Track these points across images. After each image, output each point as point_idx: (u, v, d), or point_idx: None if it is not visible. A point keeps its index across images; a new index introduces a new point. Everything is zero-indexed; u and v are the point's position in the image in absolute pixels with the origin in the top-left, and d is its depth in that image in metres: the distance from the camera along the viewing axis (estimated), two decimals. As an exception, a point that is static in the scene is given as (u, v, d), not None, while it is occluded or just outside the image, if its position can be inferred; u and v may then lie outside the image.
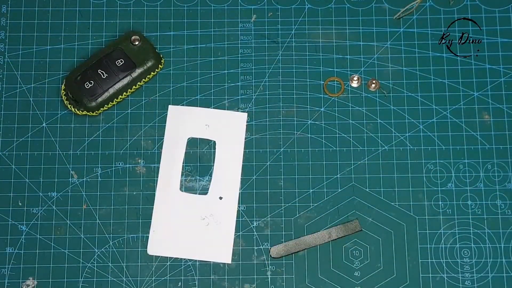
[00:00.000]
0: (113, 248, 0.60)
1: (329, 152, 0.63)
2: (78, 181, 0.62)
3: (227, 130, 0.62)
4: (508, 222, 0.61)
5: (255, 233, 0.61)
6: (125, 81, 0.63)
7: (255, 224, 0.61)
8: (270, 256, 0.60)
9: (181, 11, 0.66)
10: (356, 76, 0.64)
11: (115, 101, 0.63)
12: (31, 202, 0.62)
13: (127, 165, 0.63)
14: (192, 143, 0.63)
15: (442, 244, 0.61)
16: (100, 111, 0.63)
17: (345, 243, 0.61)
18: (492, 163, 0.62)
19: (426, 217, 0.61)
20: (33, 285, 0.60)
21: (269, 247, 0.61)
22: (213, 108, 0.64)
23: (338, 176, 0.62)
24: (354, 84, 0.64)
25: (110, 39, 0.66)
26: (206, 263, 0.60)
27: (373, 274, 0.60)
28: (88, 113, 0.63)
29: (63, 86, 0.64)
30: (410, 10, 0.66)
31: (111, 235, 0.61)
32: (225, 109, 0.64)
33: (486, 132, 0.63)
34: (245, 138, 0.63)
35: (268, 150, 0.63)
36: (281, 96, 0.64)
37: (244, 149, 0.63)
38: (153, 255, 0.61)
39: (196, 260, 0.60)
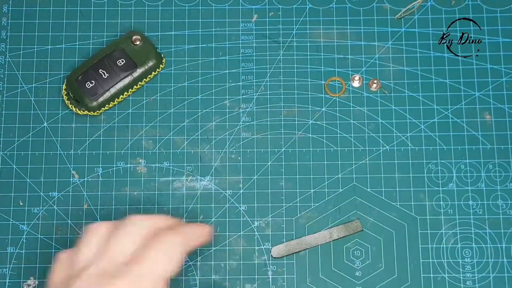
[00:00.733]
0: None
1: (330, 152, 0.63)
2: (79, 181, 0.62)
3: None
4: (510, 222, 0.61)
5: (256, 233, 0.61)
6: (126, 81, 0.63)
7: (256, 224, 0.61)
8: (271, 256, 0.60)
9: (182, 11, 0.66)
10: (357, 76, 0.64)
11: (116, 101, 0.63)
12: (32, 202, 0.62)
13: (128, 165, 0.63)
14: (193, 142, 0.63)
15: (443, 244, 0.61)
16: (101, 111, 0.63)
17: (346, 243, 0.61)
18: (493, 163, 0.62)
19: (428, 217, 0.61)
20: (34, 285, 0.60)
21: (270, 247, 0.61)
22: (215, 106, 0.64)
23: (339, 176, 0.62)
24: (355, 84, 0.64)
25: (111, 39, 0.66)
26: (207, 263, 0.60)
27: (374, 274, 0.60)
28: (89, 113, 0.63)
29: (64, 86, 0.64)
30: (412, 10, 0.66)
31: (112, 235, 0.61)
32: (226, 109, 0.64)
33: (488, 132, 0.63)
34: (246, 138, 0.63)
35: (269, 150, 0.63)
36: (282, 96, 0.64)
37: (245, 149, 0.63)
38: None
39: (197, 260, 0.60)
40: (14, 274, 0.60)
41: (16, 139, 0.63)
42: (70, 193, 0.62)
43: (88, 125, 0.64)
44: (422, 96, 0.64)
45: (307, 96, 0.64)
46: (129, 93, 0.64)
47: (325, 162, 0.63)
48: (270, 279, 0.60)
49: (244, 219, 0.61)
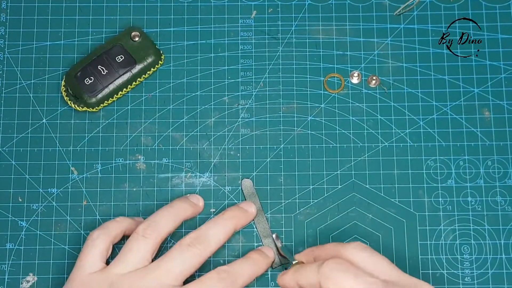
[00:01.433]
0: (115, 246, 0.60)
1: (329, 148, 0.63)
2: (78, 177, 0.62)
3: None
4: (508, 219, 0.61)
5: (255, 229, 0.61)
6: (125, 77, 0.63)
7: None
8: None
9: (181, 7, 0.66)
10: (357, 72, 0.64)
11: (115, 97, 0.63)
12: (31, 198, 0.62)
13: (127, 162, 0.63)
14: (192, 139, 0.63)
15: (442, 241, 0.61)
16: (100, 107, 0.63)
17: (345, 240, 0.61)
18: (492, 160, 0.62)
19: (426, 213, 0.61)
20: (33, 281, 0.60)
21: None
22: (214, 103, 0.64)
23: (338, 172, 0.62)
24: (355, 80, 0.64)
25: (110, 35, 0.66)
26: (206, 260, 0.60)
27: (373, 270, 0.60)
28: (88, 109, 0.63)
29: (63, 82, 0.64)
30: (411, 6, 0.66)
31: (111, 231, 0.61)
32: (225, 105, 0.64)
33: (486, 129, 0.63)
34: (245, 135, 0.63)
35: (268, 146, 0.63)
36: (281, 93, 0.64)
37: (244, 145, 0.63)
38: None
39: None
40: (13, 270, 0.60)
41: (15, 135, 0.63)
42: (69, 190, 0.62)
43: (87, 121, 0.64)
44: (421, 92, 0.64)
45: (306, 92, 0.64)
46: (128, 89, 0.64)
47: (324, 159, 0.63)
48: (269, 276, 0.60)
49: (243, 215, 0.61)
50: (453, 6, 0.66)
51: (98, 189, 0.62)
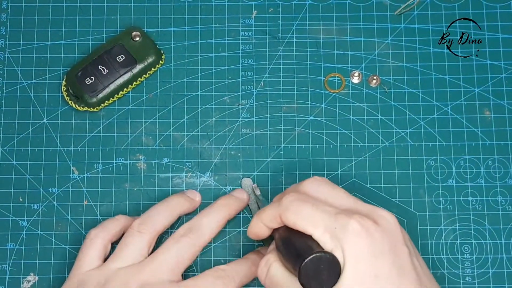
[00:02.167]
0: (114, 244, 0.60)
1: (330, 148, 0.63)
2: (79, 177, 0.62)
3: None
4: (509, 218, 0.61)
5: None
6: (126, 77, 0.63)
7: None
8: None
9: (182, 6, 0.66)
10: (357, 72, 0.64)
11: (116, 97, 0.63)
12: (32, 198, 0.62)
13: (128, 161, 0.63)
14: (193, 138, 0.63)
15: (442, 240, 0.61)
16: (100, 107, 0.63)
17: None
18: (492, 159, 0.62)
19: (427, 213, 0.61)
20: (34, 281, 0.60)
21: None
22: (214, 102, 0.64)
23: (339, 172, 0.62)
24: (355, 80, 0.64)
25: (111, 35, 0.66)
26: (206, 259, 0.60)
27: (374, 270, 0.60)
28: (89, 109, 0.63)
29: (63, 82, 0.64)
30: (411, 6, 0.66)
31: (112, 231, 0.61)
32: (225, 105, 0.64)
33: (487, 128, 0.63)
34: (246, 134, 0.63)
35: (269, 146, 0.63)
36: (281, 92, 0.64)
37: (244, 145, 0.63)
38: (154, 251, 0.61)
39: (197, 257, 0.60)
40: (14, 270, 0.61)
41: (16, 135, 0.63)
42: (70, 189, 0.62)
43: (87, 121, 0.64)
44: (422, 92, 0.64)
45: (307, 92, 0.64)
46: (128, 89, 0.64)
47: (325, 158, 0.63)
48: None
49: (244, 215, 0.62)
50: (454, 6, 0.66)
51: (99, 189, 0.62)
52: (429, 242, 0.61)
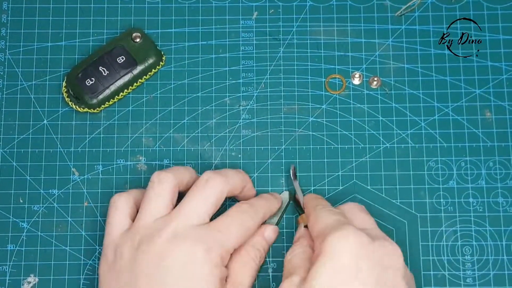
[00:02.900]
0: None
1: (331, 149, 0.63)
2: (79, 178, 0.62)
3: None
4: (510, 220, 0.61)
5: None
6: (126, 78, 0.63)
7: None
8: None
9: (182, 8, 0.66)
10: (358, 73, 0.64)
11: (116, 98, 0.63)
12: (32, 199, 0.62)
13: (128, 163, 0.63)
14: (193, 140, 0.63)
15: (443, 242, 0.61)
16: (101, 108, 0.63)
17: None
18: (493, 161, 0.62)
19: (428, 214, 0.61)
20: (34, 282, 0.60)
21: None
22: (215, 104, 0.64)
23: (340, 173, 0.62)
24: (356, 81, 0.64)
25: (111, 36, 0.66)
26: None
27: (375, 271, 0.60)
28: (89, 110, 0.63)
29: (64, 83, 0.64)
30: (412, 7, 0.66)
31: (112, 233, 0.61)
32: (226, 106, 0.64)
33: (488, 130, 0.63)
34: (246, 136, 0.63)
35: (269, 147, 0.63)
36: (282, 94, 0.64)
37: (245, 147, 0.63)
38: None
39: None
40: (14, 271, 0.60)
41: (16, 136, 0.63)
42: (70, 191, 0.62)
43: (88, 122, 0.64)
44: (423, 93, 0.64)
45: (308, 93, 0.64)
46: (129, 90, 0.64)
47: (325, 160, 0.63)
48: (270, 277, 0.60)
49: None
50: (455, 7, 0.66)
51: (99, 190, 0.62)
52: (430, 243, 0.61)
